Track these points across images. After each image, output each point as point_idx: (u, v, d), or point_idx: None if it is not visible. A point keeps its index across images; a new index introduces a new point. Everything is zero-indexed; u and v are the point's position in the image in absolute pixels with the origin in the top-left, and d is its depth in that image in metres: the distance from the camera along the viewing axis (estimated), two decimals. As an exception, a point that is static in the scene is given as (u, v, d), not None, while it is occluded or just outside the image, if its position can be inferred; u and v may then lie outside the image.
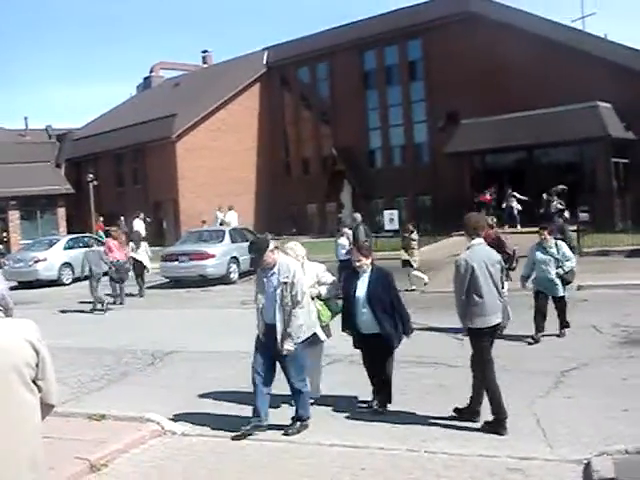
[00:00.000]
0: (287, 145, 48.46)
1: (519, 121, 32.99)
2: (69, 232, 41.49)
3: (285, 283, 8.07)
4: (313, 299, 8.79)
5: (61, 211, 47.84)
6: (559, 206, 28.38)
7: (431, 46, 39.49)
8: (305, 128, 47.45)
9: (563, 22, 36.60)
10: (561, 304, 12.83)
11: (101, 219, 39.70)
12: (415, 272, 20.18)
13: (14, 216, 46.76)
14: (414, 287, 19.71)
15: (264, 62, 47.94)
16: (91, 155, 49.26)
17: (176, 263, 24.63)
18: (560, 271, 12.64)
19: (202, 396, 10.02)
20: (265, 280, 8.31)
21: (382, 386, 8.83)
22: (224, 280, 24.06)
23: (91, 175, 41.46)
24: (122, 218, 38.68)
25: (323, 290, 9.05)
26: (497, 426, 7.73)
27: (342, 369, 10.86)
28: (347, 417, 8.73)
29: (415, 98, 41.94)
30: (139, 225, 33.23)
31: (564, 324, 12.83)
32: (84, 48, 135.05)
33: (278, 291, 8.09)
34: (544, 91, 32.79)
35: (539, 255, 12.73)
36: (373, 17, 42.71)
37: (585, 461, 6.56)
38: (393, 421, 8.35)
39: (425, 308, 16.17)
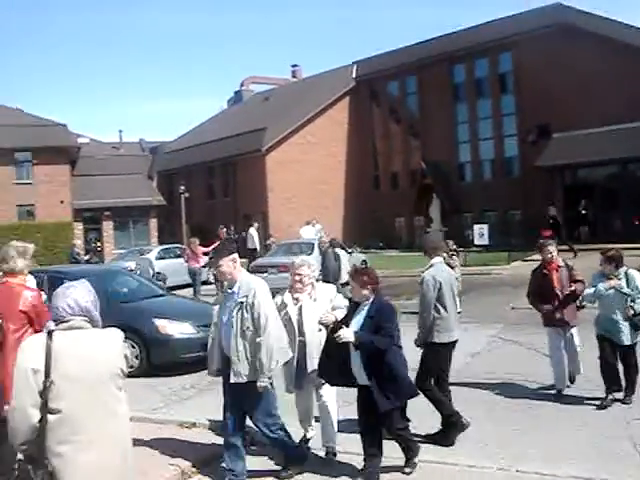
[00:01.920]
0: (376, 159, 48.40)
1: (613, 134, 32.28)
2: (160, 243, 42.34)
3: (242, 303, 6.78)
4: (327, 327, 7.21)
5: (153, 222, 48.98)
6: None
7: (522, 58, 38.87)
8: (394, 142, 47.33)
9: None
10: (629, 357, 9.52)
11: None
12: None
13: (108, 226, 48.11)
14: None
15: (353, 76, 48.09)
16: (182, 168, 50.20)
17: (265, 275, 24.79)
18: (630, 311, 9.31)
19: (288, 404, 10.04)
20: (225, 302, 7.10)
21: (400, 443, 7.32)
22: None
23: (182, 187, 42.22)
24: (225, 228, 39.60)
25: (339, 314, 7.29)
26: (444, 438, 8.08)
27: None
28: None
29: (505, 111, 41.37)
30: (254, 233, 33.86)
31: (632, 386, 9.49)
32: (177, 63, 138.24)
33: (234, 313, 6.82)
34: (639, 103, 31.96)
35: (601, 287, 9.43)
36: (463, 30, 42.44)
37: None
38: (483, 439, 8.24)
39: (516, 324, 15.88)
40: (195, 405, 10.55)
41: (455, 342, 8.41)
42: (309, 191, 43.53)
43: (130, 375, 8.24)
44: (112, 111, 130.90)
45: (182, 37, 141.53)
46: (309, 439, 8.09)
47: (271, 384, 6.94)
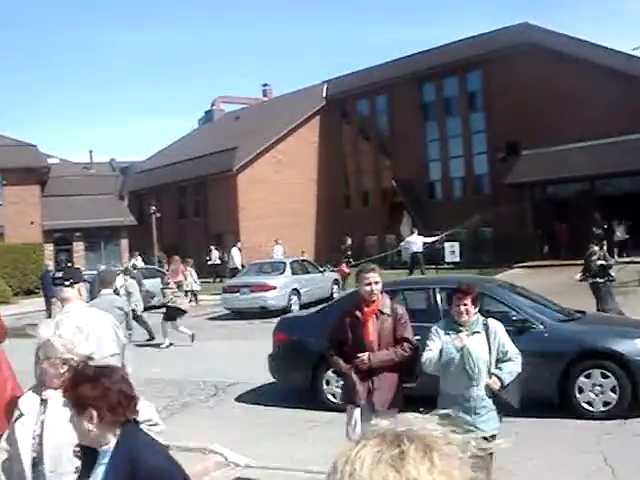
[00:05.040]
0: (347, 177, 48.51)
1: (581, 151, 32.61)
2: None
3: None
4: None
5: (124, 242, 48.70)
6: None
7: (491, 77, 39.24)
8: (365, 160, 47.49)
9: (624, 51, 36.16)
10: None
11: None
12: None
13: (79, 247, 47.80)
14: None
15: (323, 95, 48.25)
16: (154, 187, 50.04)
17: (237, 294, 24.78)
18: (495, 383, 6.29)
19: (263, 428, 10.06)
20: None
21: None
22: (285, 312, 24.04)
23: (154, 207, 42.06)
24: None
25: None
26: None
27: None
28: None
29: (475, 129, 41.73)
30: (236, 253, 33.98)
31: None
32: (148, 83, 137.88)
33: None
34: (606, 121, 32.35)
35: (451, 346, 6.53)
36: (432, 49, 42.79)
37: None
38: None
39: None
40: (167, 428, 10.48)
41: None
42: (281, 210, 43.52)
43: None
44: (82, 131, 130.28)
45: (152, 57, 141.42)
46: None
47: None
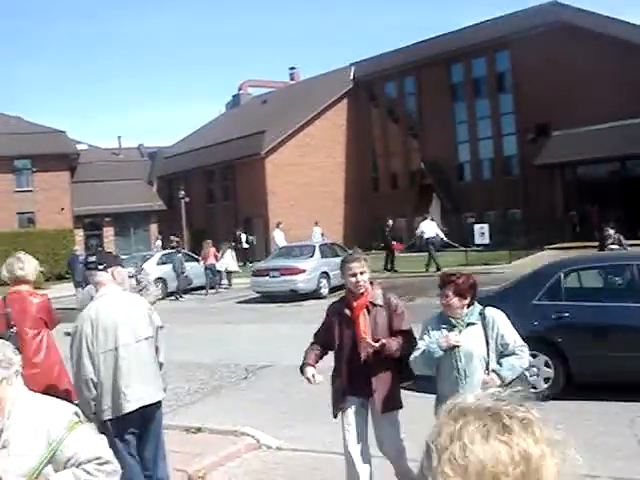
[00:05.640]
0: (375, 160, 48.39)
1: (612, 131, 32.28)
2: (162, 247, 42.39)
3: None
4: None
5: (153, 227, 49.09)
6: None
7: (520, 57, 38.83)
8: (393, 142, 47.32)
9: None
10: None
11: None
12: None
13: (109, 232, 48.23)
14: None
15: (351, 77, 48.08)
16: (182, 172, 50.18)
17: (267, 278, 24.82)
18: (494, 381, 5.53)
19: (295, 410, 10.08)
20: None
21: None
22: (315, 295, 24.11)
23: (182, 192, 42.22)
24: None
25: None
26: None
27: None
28: None
29: (504, 110, 41.39)
30: (278, 234, 34.19)
31: None
32: (175, 68, 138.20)
33: None
34: (638, 100, 31.93)
35: (434, 345, 5.81)
36: (460, 29, 42.50)
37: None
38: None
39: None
40: (200, 410, 10.57)
41: None
42: (309, 193, 43.53)
43: None
44: (110, 117, 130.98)
45: (179, 42, 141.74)
46: None
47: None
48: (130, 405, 5.81)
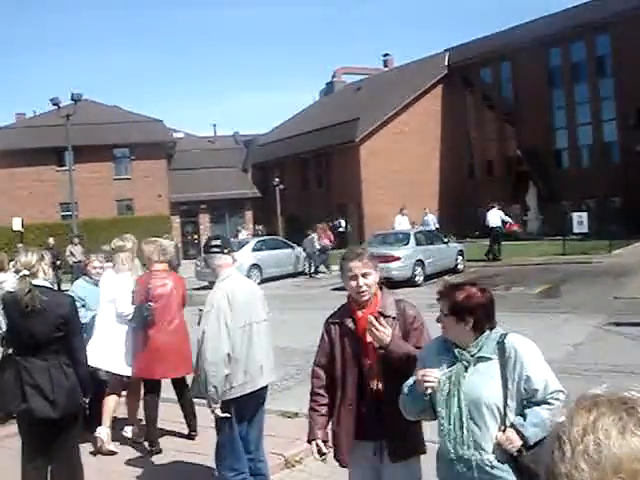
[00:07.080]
0: (470, 146, 47.83)
1: None
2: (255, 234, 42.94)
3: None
4: None
5: (248, 214, 49.70)
6: None
7: (621, 40, 37.72)
8: (488, 129, 46.74)
9: None
10: None
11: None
12: None
13: (204, 219, 49.05)
14: None
15: (446, 63, 47.62)
16: (276, 160, 50.65)
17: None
18: (513, 443, 3.67)
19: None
20: None
21: None
22: (409, 283, 24.00)
23: (277, 179, 42.53)
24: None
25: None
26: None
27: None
28: None
29: (604, 95, 40.38)
30: (402, 220, 34.29)
31: None
32: (269, 57, 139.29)
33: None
34: None
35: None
36: (556, 13, 41.56)
37: None
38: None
39: (618, 314, 15.51)
40: (295, 395, 10.68)
41: None
42: (403, 180, 43.27)
43: None
44: (206, 106, 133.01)
45: (274, 30, 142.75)
46: None
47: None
48: (262, 380, 6.05)
